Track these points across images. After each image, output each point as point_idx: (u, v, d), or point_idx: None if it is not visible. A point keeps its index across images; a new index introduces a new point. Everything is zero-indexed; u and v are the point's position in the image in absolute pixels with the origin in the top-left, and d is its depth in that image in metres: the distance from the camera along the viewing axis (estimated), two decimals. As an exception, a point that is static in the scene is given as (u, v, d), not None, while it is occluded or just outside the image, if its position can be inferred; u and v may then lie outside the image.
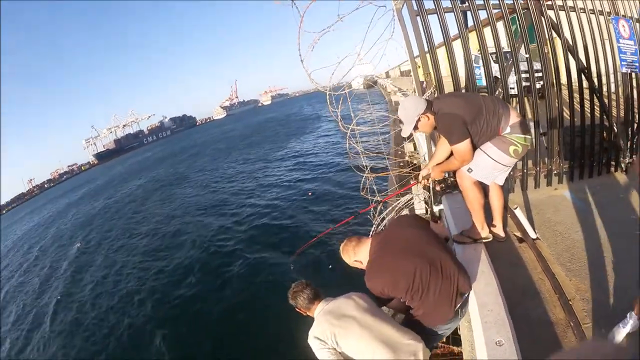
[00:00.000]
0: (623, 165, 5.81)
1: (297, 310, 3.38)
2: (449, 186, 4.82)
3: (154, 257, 16.85)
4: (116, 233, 24.28)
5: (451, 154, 3.73)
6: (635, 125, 5.92)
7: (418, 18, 4.66)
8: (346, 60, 5.45)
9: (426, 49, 4.75)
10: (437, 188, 4.79)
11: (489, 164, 3.62)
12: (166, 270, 14.61)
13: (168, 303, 12.03)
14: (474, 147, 3.58)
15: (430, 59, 4.79)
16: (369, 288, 3.14)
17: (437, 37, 4.78)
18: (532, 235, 4.38)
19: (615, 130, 5.79)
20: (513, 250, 4.28)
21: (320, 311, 3.20)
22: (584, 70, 5.34)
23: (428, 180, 4.24)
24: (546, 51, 5.08)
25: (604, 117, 5.70)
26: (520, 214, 4.54)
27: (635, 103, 5.91)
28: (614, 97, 5.70)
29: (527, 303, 3.52)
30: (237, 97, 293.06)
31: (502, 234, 4.17)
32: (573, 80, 5.34)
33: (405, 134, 3.72)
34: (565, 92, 5.42)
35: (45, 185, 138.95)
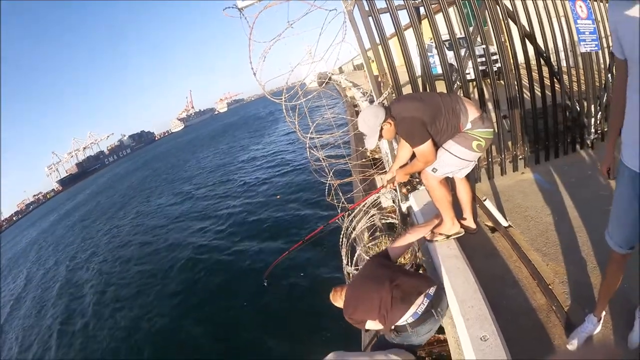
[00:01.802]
0: (588, 142, 5.87)
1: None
2: (414, 187, 4.79)
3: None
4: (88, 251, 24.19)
5: (413, 155, 3.69)
6: (598, 102, 5.97)
7: (370, 18, 4.62)
8: (300, 66, 5.40)
9: (380, 45, 4.73)
10: (404, 191, 4.75)
11: (454, 162, 3.60)
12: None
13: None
14: (436, 147, 3.57)
15: (385, 56, 4.74)
16: (346, 318, 3.56)
17: (389, 32, 4.76)
18: (504, 223, 4.38)
19: (578, 109, 5.84)
20: (487, 241, 4.27)
21: None
22: (542, 54, 5.37)
23: (393, 184, 4.23)
24: (503, 40, 5.09)
25: (565, 97, 5.75)
26: (489, 204, 4.53)
27: (596, 81, 5.97)
28: (574, 77, 5.75)
29: (507, 292, 3.52)
30: (192, 107, 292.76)
31: (474, 226, 4.14)
32: (532, 65, 5.38)
33: (371, 145, 3.66)
34: (525, 76, 5.46)
35: (14, 218, 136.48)
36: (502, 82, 5.36)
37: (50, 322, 15.69)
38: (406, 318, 3.20)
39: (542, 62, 5.41)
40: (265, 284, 4.87)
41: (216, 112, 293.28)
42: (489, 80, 5.25)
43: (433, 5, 4.83)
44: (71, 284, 19.77)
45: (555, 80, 5.59)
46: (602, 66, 6.02)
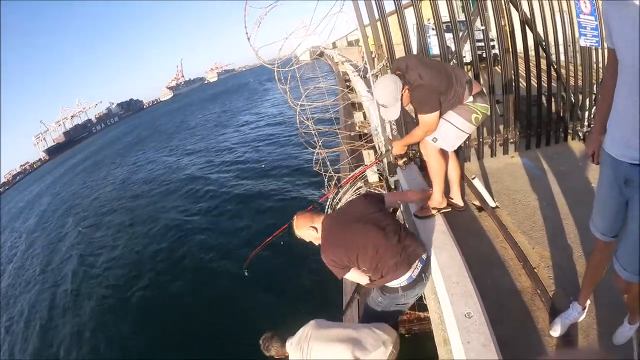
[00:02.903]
0: (580, 134, 5.84)
1: (277, 358, 3.52)
2: (410, 159, 4.69)
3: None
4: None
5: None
6: (594, 96, 5.96)
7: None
8: (294, 35, 5.27)
9: (377, 16, 4.57)
10: (400, 162, 4.65)
11: (453, 133, 3.59)
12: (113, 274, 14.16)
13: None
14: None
15: (382, 28, 4.62)
16: (324, 260, 3.19)
17: (389, 6, 4.64)
18: (491, 203, 4.36)
19: (573, 100, 5.83)
20: (473, 220, 4.24)
21: (290, 346, 3.40)
22: (541, 43, 5.34)
23: (389, 155, 4.29)
24: (503, 24, 5.04)
25: (561, 87, 5.73)
26: (477, 183, 4.50)
27: (594, 75, 5.94)
28: (572, 69, 5.73)
29: (493, 272, 3.49)
30: (183, 76, 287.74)
31: (461, 204, 4.15)
32: (530, 53, 5.35)
33: (394, 116, 3.62)
34: (522, 63, 5.43)
35: (0, 190, 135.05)
36: (498, 68, 5.34)
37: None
38: (401, 281, 3.10)
39: (541, 51, 5.37)
40: (246, 274, 4.82)
41: (206, 82, 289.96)
42: (485, 65, 5.14)
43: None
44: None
45: (552, 70, 5.58)
46: (601, 63, 5.93)
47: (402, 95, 3.41)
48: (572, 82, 5.78)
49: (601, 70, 5.89)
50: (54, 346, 11.18)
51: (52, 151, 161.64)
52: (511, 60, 5.21)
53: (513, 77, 5.27)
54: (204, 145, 31.81)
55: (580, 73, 5.74)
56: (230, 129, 35.00)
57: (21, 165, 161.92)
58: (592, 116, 5.85)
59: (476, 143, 5.50)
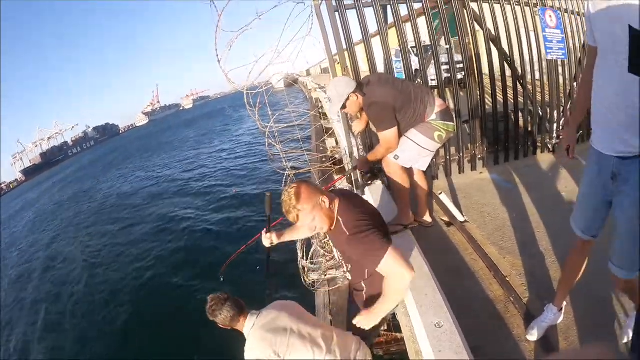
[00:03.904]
0: (550, 146, 5.97)
1: (220, 326, 3.01)
2: (374, 175, 4.74)
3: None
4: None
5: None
6: (562, 108, 6.12)
7: (337, 14, 4.60)
8: (265, 59, 5.33)
9: (344, 45, 4.69)
10: (365, 179, 4.71)
11: (415, 150, 3.62)
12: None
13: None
14: (400, 134, 3.59)
15: (349, 54, 4.72)
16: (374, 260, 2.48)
17: (356, 35, 4.75)
18: (460, 218, 4.40)
19: (540, 114, 5.97)
20: (442, 235, 4.26)
21: (251, 327, 2.88)
22: (507, 58, 5.48)
23: (355, 172, 4.31)
24: (467, 42, 5.15)
25: (528, 102, 5.85)
26: (445, 198, 4.57)
27: (561, 88, 6.10)
28: (539, 83, 5.87)
29: (463, 283, 3.51)
30: (158, 102, 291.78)
31: (429, 220, 4.20)
32: (496, 70, 5.43)
33: (333, 112, 3.77)
34: (487, 80, 5.52)
35: None
36: (463, 91, 5.43)
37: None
38: None
39: (507, 66, 5.50)
40: (222, 279, 4.75)
41: (182, 108, 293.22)
42: (451, 87, 5.24)
43: (403, 15, 4.88)
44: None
45: (518, 84, 5.68)
46: (567, 75, 6.10)
47: (348, 98, 3.49)
48: (539, 96, 5.90)
49: (567, 83, 6.06)
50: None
51: (29, 172, 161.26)
52: (476, 78, 5.29)
53: (479, 94, 5.35)
54: (176, 170, 32.00)
55: (547, 87, 5.86)
56: (203, 155, 35.23)
57: None
58: (560, 128, 5.97)
59: (444, 161, 5.56)
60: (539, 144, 6.02)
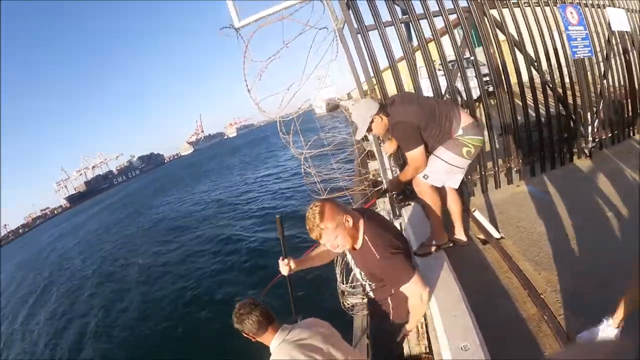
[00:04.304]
0: (586, 151, 5.82)
1: (245, 335, 2.86)
2: (407, 196, 4.74)
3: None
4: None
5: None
6: (595, 109, 5.96)
7: (359, 36, 4.64)
8: (295, 86, 5.41)
9: (369, 66, 4.72)
10: (397, 200, 4.72)
11: (443, 168, 3.62)
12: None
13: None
14: (428, 152, 3.59)
15: (375, 74, 4.75)
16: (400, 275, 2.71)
17: (384, 57, 4.79)
18: (496, 235, 4.33)
19: (574, 117, 5.82)
20: (477, 253, 4.20)
21: (281, 342, 2.75)
22: (533, 63, 5.36)
23: (386, 194, 4.36)
24: (492, 51, 5.09)
25: (560, 107, 5.72)
26: (480, 215, 4.53)
27: (592, 87, 5.95)
28: (568, 85, 5.73)
29: (496, 303, 3.45)
30: (202, 131, 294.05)
31: (464, 238, 4.11)
32: (525, 76, 5.37)
33: (359, 136, 3.79)
34: (516, 89, 5.42)
35: (20, 231, 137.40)
36: (493, 101, 5.39)
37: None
38: None
39: (534, 71, 5.39)
40: (262, 301, 4.82)
41: (225, 137, 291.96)
42: (480, 101, 5.23)
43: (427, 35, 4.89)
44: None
45: (547, 89, 5.57)
46: (597, 72, 5.99)
47: (373, 120, 3.49)
48: (570, 99, 5.77)
49: (598, 80, 5.94)
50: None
51: (74, 199, 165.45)
52: (505, 88, 5.22)
53: (510, 105, 5.27)
54: (224, 195, 32.73)
55: (577, 87, 5.74)
56: (250, 180, 35.93)
57: (42, 210, 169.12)
58: (595, 130, 5.84)
59: (479, 177, 5.46)
60: (575, 150, 5.89)
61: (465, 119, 3.56)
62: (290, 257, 3.23)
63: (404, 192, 4.67)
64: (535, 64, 5.36)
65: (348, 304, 5.34)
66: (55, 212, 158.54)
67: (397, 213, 4.95)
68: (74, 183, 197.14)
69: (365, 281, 3.03)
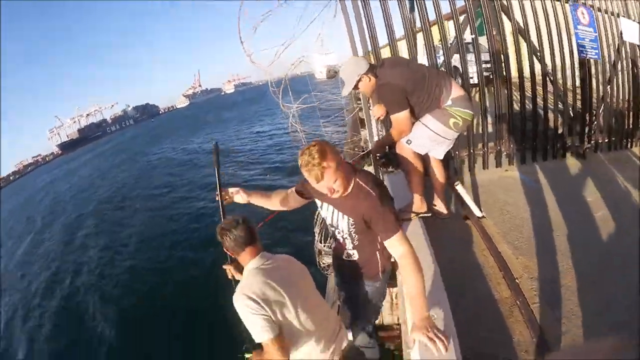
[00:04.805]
0: (581, 151, 5.67)
1: (225, 250, 2.77)
2: (390, 160, 4.57)
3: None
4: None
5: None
6: (594, 112, 5.83)
7: (359, 1, 4.46)
8: (300, 47, 5.38)
9: (366, 30, 4.57)
10: (379, 164, 4.58)
11: (427, 135, 3.52)
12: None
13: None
14: (415, 118, 3.53)
15: (370, 38, 4.58)
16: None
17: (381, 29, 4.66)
18: (477, 213, 4.23)
19: (571, 114, 5.68)
20: (456, 228, 4.11)
21: (258, 266, 2.64)
22: (536, 53, 5.21)
23: (368, 156, 4.27)
24: (495, 33, 4.95)
25: (559, 102, 5.64)
26: (463, 191, 4.37)
27: (594, 90, 5.82)
28: (570, 84, 5.64)
29: (470, 279, 3.38)
30: (200, 85, 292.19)
31: (444, 211, 4.03)
32: (527, 68, 5.25)
33: (344, 93, 3.65)
34: (516, 75, 5.31)
35: (11, 178, 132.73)
36: (490, 87, 5.28)
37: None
38: None
39: (536, 61, 5.26)
40: None
41: (223, 93, 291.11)
42: (491, 86, 5.18)
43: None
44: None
45: (548, 81, 5.43)
46: (601, 78, 5.83)
47: (360, 79, 3.39)
48: (570, 96, 5.68)
49: (601, 85, 5.79)
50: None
51: (66, 146, 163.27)
52: (504, 71, 5.07)
53: (507, 89, 5.13)
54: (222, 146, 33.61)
55: (579, 89, 5.64)
56: (243, 135, 37.43)
57: (33, 157, 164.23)
58: (592, 132, 5.71)
59: (467, 154, 5.33)
60: (568, 146, 5.73)
61: (456, 90, 3.47)
62: (241, 188, 3.14)
63: (387, 155, 4.52)
64: (539, 55, 5.22)
65: (324, 263, 5.36)
66: (47, 159, 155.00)
67: (380, 178, 4.78)
68: (67, 131, 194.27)
69: (349, 235, 2.74)
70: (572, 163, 5.53)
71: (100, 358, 9.46)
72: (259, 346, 2.49)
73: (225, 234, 2.63)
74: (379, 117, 4.25)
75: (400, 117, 3.38)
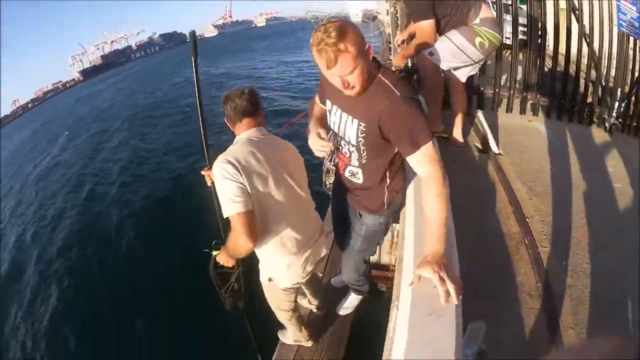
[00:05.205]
0: (607, 124, 5.38)
1: (225, 120, 2.60)
2: (409, 73, 4.24)
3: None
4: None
5: None
6: (627, 88, 5.55)
7: None
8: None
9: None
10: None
11: (450, 50, 3.38)
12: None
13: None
14: (440, 32, 3.39)
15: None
16: None
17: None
18: (495, 149, 4.04)
19: (603, 84, 5.46)
20: (470, 158, 3.92)
21: (249, 137, 2.48)
22: (575, 10, 5.07)
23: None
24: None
25: (592, 66, 5.40)
26: (483, 121, 4.21)
27: (629, 66, 5.54)
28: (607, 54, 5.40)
29: (477, 210, 3.18)
30: (230, 16, 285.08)
31: (461, 139, 3.88)
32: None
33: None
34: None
35: (29, 105, 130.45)
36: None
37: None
38: None
39: (574, 19, 5.11)
40: None
41: (254, 25, 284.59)
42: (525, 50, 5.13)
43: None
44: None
45: (584, 42, 5.24)
46: (638, 58, 5.53)
47: None
48: (604, 66, 5.45)
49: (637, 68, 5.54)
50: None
51: (88, 73, 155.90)
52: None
53: (540, 53, 5.03)
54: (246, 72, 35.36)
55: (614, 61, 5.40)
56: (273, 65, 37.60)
57: (53, 84, 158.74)
58: (621, 108, 5.41)
59: (491, 92, 5.06)
60: (595, 118, 5.48)
61: (485, 11, 3.33)
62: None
63: (409, 70, 4.17)
64: (577, 12, 5.11)
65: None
66: (67, 86, 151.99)
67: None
68: (90, 57, 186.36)
69: (356, 147, 2.15)
70: (598, 133, 5.26)
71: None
72: None
73: (227, 101, 2.52)
74: (399, 44, 4.05)
75: (425, 26, 3.22)
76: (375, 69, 1.92)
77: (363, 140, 2.05)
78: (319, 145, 2.24)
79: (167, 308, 7.12)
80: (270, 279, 2.69)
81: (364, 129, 2.00)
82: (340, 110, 2.13)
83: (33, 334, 7.79)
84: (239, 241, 2.21)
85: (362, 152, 2.13)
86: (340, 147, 2.30)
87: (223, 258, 2.54)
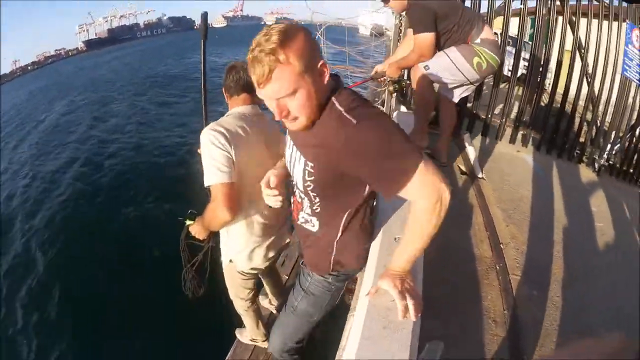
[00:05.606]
0: (596, 165, 5.39)
1: (223, 90, 2.52)
2: (401, 86, 4.20)
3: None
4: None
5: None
6: (622, 132, 5.65)
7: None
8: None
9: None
10: (390, 88, 4.20)
11: (446, 65, 3.35)
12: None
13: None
14: (439, 48, 3.36)
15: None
16: None
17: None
18: (478, 172, 4.00)
19: (598, 124, 5.53)
20: (452, 179, 3.84)
21: (243, 112, 2.46)
22: (581, 47, 5.09)
23: (383, 77, 3.97)
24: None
25: (590, 106, 5.45)
26: (469, 139, 4.26)
27: (627, 112, 5.68)
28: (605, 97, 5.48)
29: (452, 227, 3.03)
30: (241, 11, 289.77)
31: (444, 159, 3.83)
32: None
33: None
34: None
35: (29, 68, 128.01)
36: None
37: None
38: None
39: (578, 56, 5.14)
40: None
41: (263, 22, 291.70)
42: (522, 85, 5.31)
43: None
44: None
45: (585, 81, 5.27)
46: (638, 103, 5.67)
47: None
48: (602, 108, 5.53)
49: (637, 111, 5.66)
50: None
51: (92, 44, 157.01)
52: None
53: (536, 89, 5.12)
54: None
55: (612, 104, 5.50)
56: None
57: (56, 50, 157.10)
58: (613, 151, 5.43)
59: (484, 118, 5.06)
60: (585, 158, 5.52)
61: (487, 32, 3.34)
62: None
63: (401, 82, 4.12)
64: (582, 49, 5.11)
65: None
66: (70, 54, 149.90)
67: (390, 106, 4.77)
68: (96, 29, 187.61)
69: (304, 192, 1.69)
70: (585, 172, 5.28)
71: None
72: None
73: (231, 71, 2.48)
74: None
75: (424, 38, 3.20)
76: (328, 89, 1.46)
77: (311, 185, 1.62)
78: (265, 195, 1.90)
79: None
80: (230, 260, 2.68)
81: (311, 171, 1.56)
82: (292, 144, 1.69)
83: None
84: (217, 212, 2.20)
85: (313, 198, 1.70)
86: (294, 189, 1.81)
87: (196, 229, 2.53)
